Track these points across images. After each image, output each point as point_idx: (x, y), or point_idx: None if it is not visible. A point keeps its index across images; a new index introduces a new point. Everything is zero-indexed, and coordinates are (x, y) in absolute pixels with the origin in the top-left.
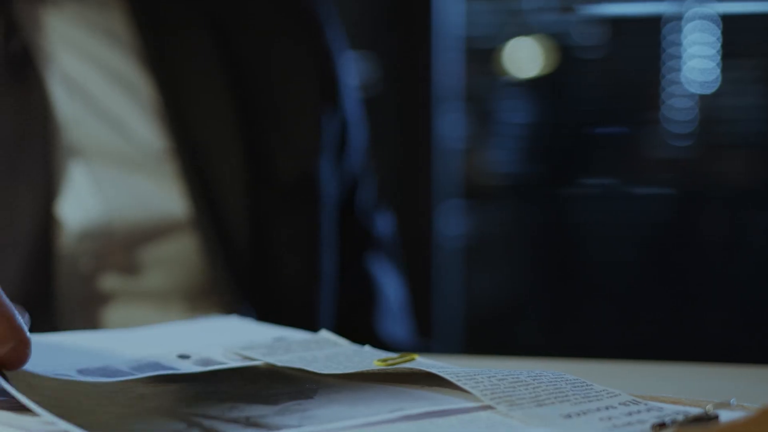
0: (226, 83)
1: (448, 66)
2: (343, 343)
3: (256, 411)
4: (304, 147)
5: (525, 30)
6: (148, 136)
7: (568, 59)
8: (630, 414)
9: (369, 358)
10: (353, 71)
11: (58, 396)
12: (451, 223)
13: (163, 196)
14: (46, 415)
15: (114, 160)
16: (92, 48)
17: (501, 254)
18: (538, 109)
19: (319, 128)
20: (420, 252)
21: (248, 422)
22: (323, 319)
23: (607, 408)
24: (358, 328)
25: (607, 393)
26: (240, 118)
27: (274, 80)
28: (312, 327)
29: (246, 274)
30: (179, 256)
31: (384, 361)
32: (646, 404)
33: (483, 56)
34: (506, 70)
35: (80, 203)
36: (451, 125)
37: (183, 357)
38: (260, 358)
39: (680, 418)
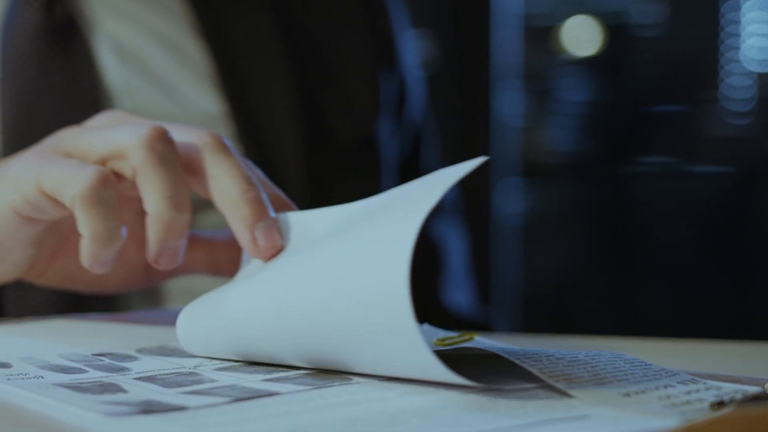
0: (280, 46)
1: (507, 44)
2: None
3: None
4: (363, 107)
5: (583, 8)
6: (201, 102)
7: (626, 37)
8: (688, 393)
9: (428, 338)
10: (409, 31)
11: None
12: (510, 201)
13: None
14: (105, 406)
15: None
16: (140, 15)
17: (559, 232)
18: (597, 88)
19: (377, 88)
20: (479, 230)
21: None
22: None
23: (665, 387)
24: (422, 293)
25: (666, 372)
26: (295, 80)
27: (330, 40)
28: None
29: None
30: None
31: (443, 340)
32: (704, 383)
33: (541, 34)
34: (564, 48)
35: None
36: (509, 103)
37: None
38: None
39: (739, 396)
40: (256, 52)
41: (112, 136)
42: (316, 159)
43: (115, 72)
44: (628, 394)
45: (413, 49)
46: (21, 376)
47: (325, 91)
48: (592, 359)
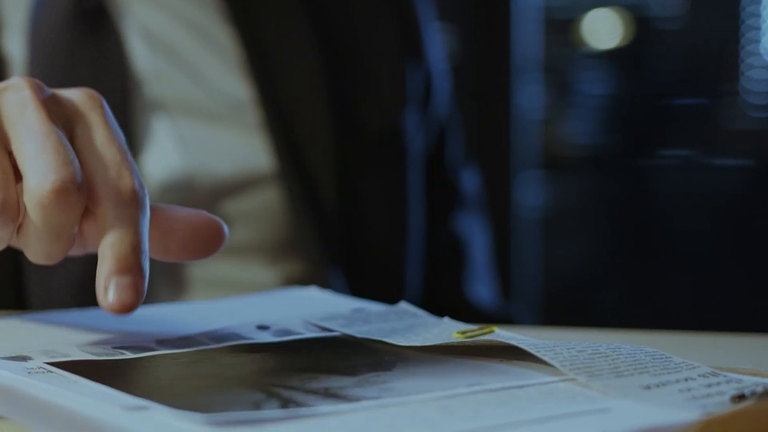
0: (308, 35)
1: (528, 37)
2: (422, 314)
3: (335, 382)
4: (389, 99)
5: (604, 1)
6: (230, 88)
7: (646, 30)
8: (709, 386)
9: (448, 330)
10: (435, 24)
11: (135, 373)
12: (530, 194)
13: (247, 148)
14: (125, 398)
15: (197, 113)
16: (170, 1)
17: (579, 225)
18: (617, 81)
19: (404, 79)
20: (499, 223)
21: (327, 393)
22: (409, 275)
23: (686, 380)
24: (445, 287)
25: (686, 365)
26: (324, 69)
27: (357, 31)
28: (398, 283)
29: (331, 228)
30: (263, 209)
31: (463, 333)
32: (725, 376)
33: (562, 27)
34: (585, 41)
35: (163, 157)
36: (529, 96)
37: (262, 328)
38: (339, 330)
39: (759, 389)
40: (285, 40)
41: None
42: (343, 149)
43: (145, 58)
44: (648, 387)
45: (439, 42)
46: (42, 369)
47: (353, 82)
48: (613, 352)
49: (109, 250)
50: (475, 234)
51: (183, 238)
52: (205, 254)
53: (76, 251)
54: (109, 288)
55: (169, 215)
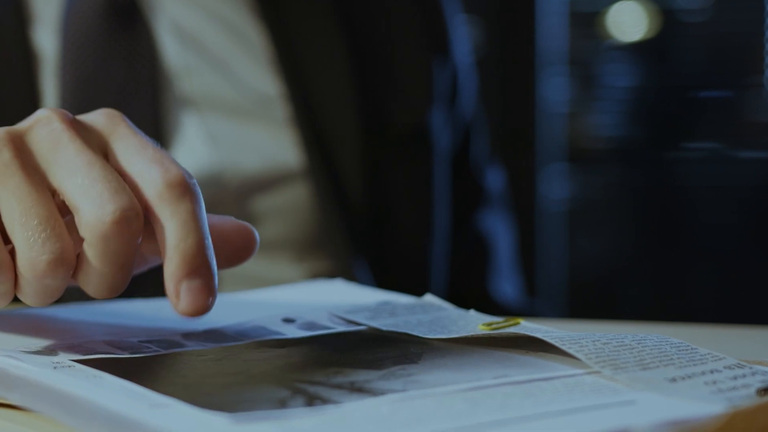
0: (336, 31)
1: (553, 30)
2: (448, 307)
3: (360, 376)
4: (417, 96)
5: None
6: (259, 84)
7: (671, 23)
8: (735, 378)
9: (474, 323)
10: (462, 22)
11: (161, 370)
12: (555, 186)
13: (276, 144)
14: (151, 395)
15: (226, 109)
16: None
17: (604, 218)
18: (642, 73)
19: (431, 77)
20: (524, 215)
21: (353, 387)
22: (435, 272)
23: (712, 372)
24: (470, 283)
25: (712, 357)
26: (351, 66)
27: (385, 27)
28: (424, 280)
29: (359, 224)
30: (291, 206)
31: (489, 325)
32: (751, 368)
33: (587, 20)
34: (610, 34)
35: (192, 152)
36: (555, 89)
37: (288, 321)
38: (365, 323)
39: None
40: (314, 36)
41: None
42: (371, 145)
43: (175, 54)
44: (674, 380)
45: (465, 39)
46: (67, 364)
47: (380, 78)
48: (638, 343)
49: (173, 251)
50: (500, 231)
51: (216, 246)
52: (236, 262)
53: (137, 269)
54: (180, 293)
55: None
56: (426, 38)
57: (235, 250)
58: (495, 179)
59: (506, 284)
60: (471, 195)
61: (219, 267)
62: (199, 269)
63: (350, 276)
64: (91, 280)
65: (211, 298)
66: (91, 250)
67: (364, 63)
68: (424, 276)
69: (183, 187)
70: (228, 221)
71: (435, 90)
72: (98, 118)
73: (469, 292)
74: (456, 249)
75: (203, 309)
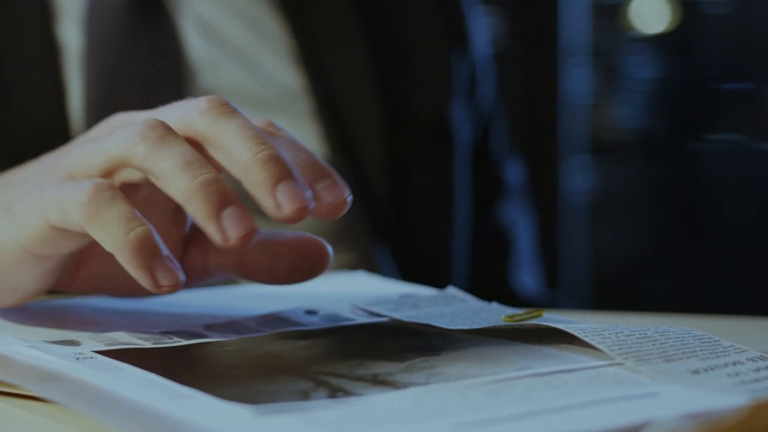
0: (357, 25)
1: (575, 21)
2: (470, 299)
3: (383, 368)
4: (436, 89)
5: None
6: (282, 78)
7: (695, 14)
8: (758, 370)
9: (496, 314)
10: (480, 14)
11: (183, 361)
12: (578, 179)
13: (299, 137)
14: (172, 386)
15: (251, 102)
16: None
17: (627, 210)
18: (665, 65)
19: (450, 70)
20: (546, 207)
21: (375, 380)
22: (456, 263)
23: (734, 364)
24: (491, 276)
25: (735, 348)
26: (372, 60)
27: (404, 20)
28: (445, 271)
29: (382, 217)
30: None
31: (511, 317)
32: None
33: (610, 11)
34: (633, 26)
35: None
36: (577, 81)
37: (310, 313)
38: (387, 314)
39: None
40: (334, 31)
41: (106, 147)
42: (393, 138)
43: (199, 48)
44: (696, 372)
45: (484, 32)
46: (89, 355)
47: (400, 72)
48: (661, 335)
49: (252, 162)
50: (520, 223)
51: (290, 262)
52: (311, 276)
53: (198, 282)
54: (279, 198)
55: (275, 240)
56: (445, 31)
57: (310, 264)
58: (515, 171)
59: (527, 276)
60: (491, 187)
61: (296, 281)
62: (286, 172)
63: (372, 267)
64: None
65: (308, 198)
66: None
67: (383, 56)
68: (446, 267)
69: (225, 108)
70: (302, 237)
71: (454, 82)
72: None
73: (490, 284)
74: (477, 241)
75: (306, 208)
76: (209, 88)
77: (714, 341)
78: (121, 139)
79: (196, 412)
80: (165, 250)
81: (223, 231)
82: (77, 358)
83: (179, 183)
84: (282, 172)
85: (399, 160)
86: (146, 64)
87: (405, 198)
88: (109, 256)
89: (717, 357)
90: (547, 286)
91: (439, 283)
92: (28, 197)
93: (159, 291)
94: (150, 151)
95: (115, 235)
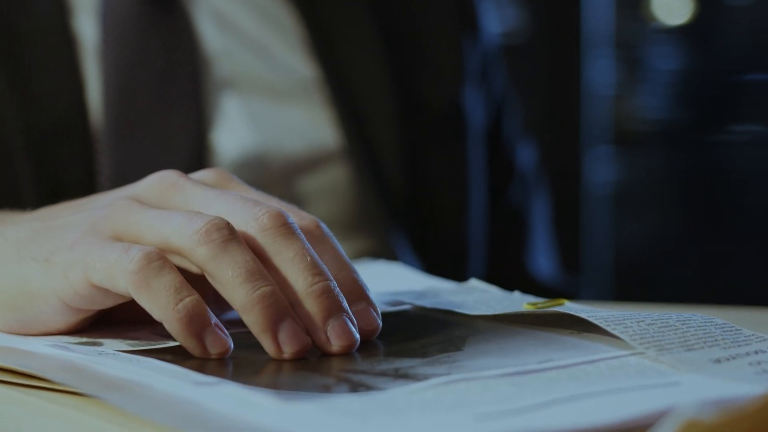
0: (367, 13)
1: (598, 12)
2: (492, 289)
3: (404, 362)
4: (449, 75)
5: None
6: (296, 66)
7: (717, 5)
8: None
9: (518, 302)
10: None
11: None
12: (600, 169)
13: (315, 125)
14: (195, 375)
15: (267, 91)
16: None
17: (650, 201)
18: (688, 56)
19: (461, 56)
20: (569, 199)
21: (397, 374)
22: (473, 249)
23: (756, 353)
24: (508, 258)
25: (756, 338)
26: (383, 47)
27: (414, 7)
28: (462, 257)
29: (398, 203)
30: (333, 187)
31: (533, 305)
32: None
33: (633, 2)
34: (656, 17)
35: (235, 134)
36: (600, 71)
37: None
38: (410, 302)
39: None
40: (345, 19)
41: (164, 231)
42: (406, 125)
43: (214, 38)
44: (718, 361)
45: (494, 19)
46: (111, 353)
47: (412, 58)
48: (683, 324)
49: (305, 294)
50: (535, 205)
51: None
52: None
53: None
54: (328, 332)
55: None
56: (455, 17)
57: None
58: (528, 155)
59: (543, 258)
60: (506, 171)
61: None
62: (337, 307)
63: (390, 253)
64: None
65: (356, 333)
66: None
67: (395, 43)
68: (463, 252)
69: (287, 229)
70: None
71: (466, 68)
72: (209, 176)
73: (507, 267)
74: (493, 224)
75: (353, 345)
76: (225, 77)
77: (736, 330)
78: (183, 231)
79: (220, 399)
80: (214, 318)
81: (278, 345)
82: (99, 353)
83: (239, 293)
84: (333, 306)
85: (413, 146)
86: (162, 56)
87: (420, 183)
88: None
89: (739, 346)
90: (569, 274)
91: (457, 265)
92: (72, 252)
93: (207, 357)
94: (213, 255)
95: (164, 305)
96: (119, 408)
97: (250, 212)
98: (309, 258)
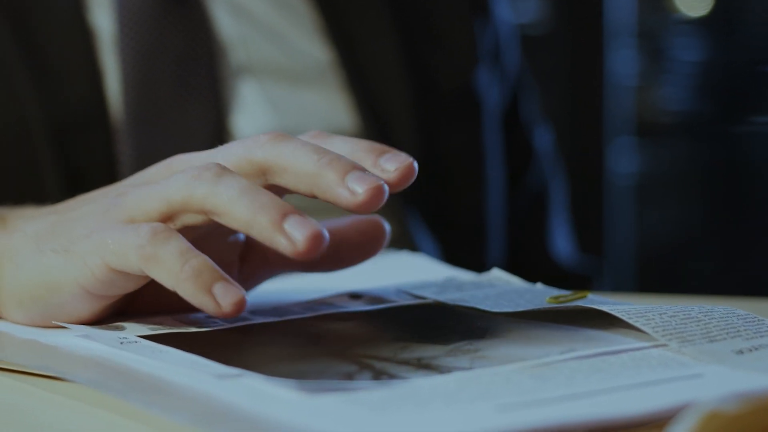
0: None
1: (621, 2)
2: (515, 281)
3: (427, 352)
4: (462, 57)
5: None
6: (312, 51)
7: None
8: None
9: (541, 296)
10: None
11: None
12: (623, 160)
13: (331, 109)
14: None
15: (283, 76)
16: None
17: (672, 192)
18: (711, 47)
19: (474, 37)
20: (592, 190)
21: (420, 364)
22: (492, 232)
23: None
24: (527, 240)
25: None
26: (398, 30)
27: None
28: (481, 240)
29: (415, 186)
30: None
31: (556, 298)
32: None
33: None
34: (679, 7)
35: (254, 120)
36: (623, 62)
37: (354, 297)
38: (431, 297)
39: None
40: (360, 3)
41: (165, 191)
42: (421, 107)
43: (229, 25)
44: (741, 352)
45: (506, 1)
46: (133, 340)
47: (426, 40)
48: (705, 315)
49: (315, 170)
50: (552, 188)
51: (352, 245)
52: (373, 253)
53: (260, 280)
54: (350, 186)
55: (333, 229)
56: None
57: (371, 244)
58: (545, 136)
59: (562, 241)
60: (523, 152)
61: (358, 261)
62: (350, 165)
63: (408, 237)
64: None
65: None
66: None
67: (409, 25)
68: (481, 235)
69: (281, 136)
70: (360, 219)
71: (479, 50)
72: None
73: (526, 248)
74: (512, 206)
75: (383, 190)
76: (242, 63)
77: (759, 321)
78: (180, 183)
79: (242, 392)
80: (223, 274)
81: (290, 238)
82: (121, 343)
83: (238, 211)
84: (347, 166)
85: (429, 128)
86: (179, 44)
87: (437, 166)
88: (162, 288)
89: (761, 337)
90: (593, 267)
91: (476, 248)
92: (89, 239)
93: (223, 313)
94: (207, 189)
95: (172, 269)
96: (140, 409)
97: (248, 138)
98: (309, 145)
